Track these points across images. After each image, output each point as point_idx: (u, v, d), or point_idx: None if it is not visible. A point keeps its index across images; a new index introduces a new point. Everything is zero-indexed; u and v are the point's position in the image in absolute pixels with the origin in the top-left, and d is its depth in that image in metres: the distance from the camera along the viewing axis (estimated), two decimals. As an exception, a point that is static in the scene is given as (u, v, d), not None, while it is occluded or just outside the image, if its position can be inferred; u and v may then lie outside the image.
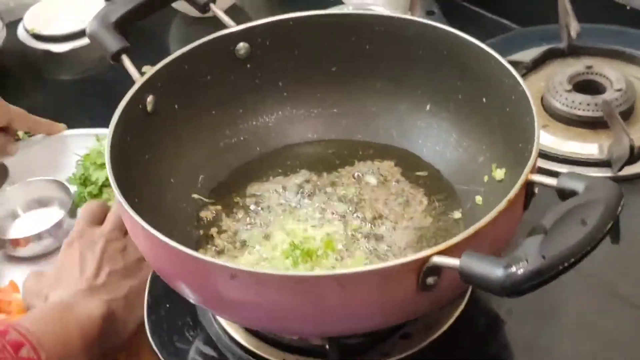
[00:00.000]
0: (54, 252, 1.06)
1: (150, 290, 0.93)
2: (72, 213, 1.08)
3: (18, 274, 1.03)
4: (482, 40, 1.30)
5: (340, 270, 0.69)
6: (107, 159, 0.80)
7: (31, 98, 1.43)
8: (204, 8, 0.95)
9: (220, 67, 0.95)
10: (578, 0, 1.23)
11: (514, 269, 0.62)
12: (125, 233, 0.96)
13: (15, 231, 1.10)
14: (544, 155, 1.06)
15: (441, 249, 0.68)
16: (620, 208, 0.66)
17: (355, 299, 0.69)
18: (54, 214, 1.11)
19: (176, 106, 0.93)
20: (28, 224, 1.11)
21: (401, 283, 0.69)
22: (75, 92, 1.46)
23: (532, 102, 0.80)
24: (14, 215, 1.12)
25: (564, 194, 0.71)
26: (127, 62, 0.88)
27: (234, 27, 0.94)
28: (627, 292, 0.93)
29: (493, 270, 0.63)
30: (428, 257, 0.67)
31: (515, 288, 0.62)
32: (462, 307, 0.88)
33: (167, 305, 0.92)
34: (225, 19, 0.95)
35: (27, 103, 1.31)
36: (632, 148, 0.99)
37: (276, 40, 0.96)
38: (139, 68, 1.40)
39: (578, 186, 0.69)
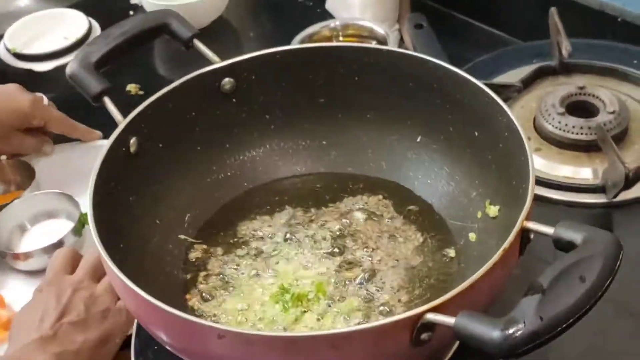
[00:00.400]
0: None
1: (138, 332, 0.92)
2: (76, 230, 1.06)
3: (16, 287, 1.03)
4: (473, 54, 1.31)
5: (333, 331, 0.67)
6: (89, 206, 0.78)
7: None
8: (188, 44, 0.92)
9: (205, 103, 0.93)
10: (568, 13, 1.21)
11: (511, 331, 0.61)
12: (98, 280, 0.93)
13: (21, 244, 1.09)
14: (537, 180, 1.03)
15: (435, 304, 0.66)
16: (619, 262, 0.65)
17: (348, 357, 0.67)
18: (62, 228, 1.08)
19: (161, 145, 0.90)
20: (35, 238, 1.09)
21: (395, 340, 0.67)
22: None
23: (526, 142, 0.78)
24: (22, 229, 1.10)
25: (561, 244, 0.69)
26: (108, 103, 0.86)
27: (218, 63, 0.92)
28: (628, 317, 0.91)
29: (490, 332, 0.61)
30: (422, 314, 0.65)
31: (513, 351, 0.61)
32: (455, 345, 0.86)
33: (156, 347, 0.89)
34: (210, 54, 0.92)
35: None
36: (627, 175, 0.97)
37: (262, 74, 0.94)
38: (124, 86, 1.39)
39: (576, 237, 0.67)
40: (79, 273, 0.93)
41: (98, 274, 0.93)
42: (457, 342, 0.85)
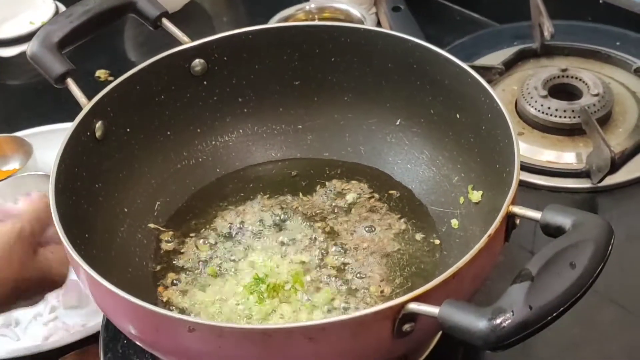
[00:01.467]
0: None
1: (106, 327, 0.88)
2: None
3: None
4: (452, 37, 1.28)
5: (308, 322, 0.63)
6: (50, 192, 0.73)
7: (-21, 103, 1.37)
8: (156, 23, 0.88)
9: (174, 85, 0.89)
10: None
11: (498, 320, 0.57)
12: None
13: None
14: (520, 165, 1.01)
15: (418, 294, 0.62)
16: (610, 247, 0.61)
17: (326, 350, 0.63)
18: None
19: (128, 129, 0.86)
20: None
21: (375, 332, 0.63)
22: (25, 97, 1.39)
23: (510, 124, 0.75)
24: None
25: (549, 229, 0.65)
26: (72, 86, 0.82)
27: (188, 43, 0.88)
28: (620, 304, 0.89)
29: (476, 322, 0.58)
30: (404, 304, 0.62)
31: (500, 342, 0.57)
32: (438, 335, 0.83)
33: (125, 342, 0.86)
34: (179, 34, 0.88)
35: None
36: (612, 159, 0.94)
37: (234, 55, 0.90)
38: (92, 72, 1.35)
39: (565, 222, 0.64)
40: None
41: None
42: (438, 335, 0.82)
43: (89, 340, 0.94)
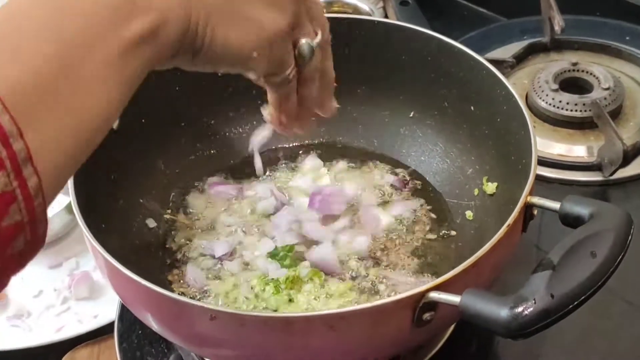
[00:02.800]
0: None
1: (122, 316, 0.88)
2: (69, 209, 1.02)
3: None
4: (460, 32, 1.28)
5: (330, 311, 0.64)
6: (70, 182, 0.74)
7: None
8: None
9: (189, 76, 0.88)
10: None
11: (520, 309, 0.58)
12: None
13: None
14: (531, 158, 1.02)
15: (439, 282, 0.63)
16: (630, 237, 0.62)
17: (346, 338, 0.64)
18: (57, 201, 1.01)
19: (143, 120, 0.86)
20: None
21: (395, 320, 0.64)
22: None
23: (527, 115, 0.75)
24: None
25: (568, 220, 0.66)
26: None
27: (204, 34, 0.88)
28: (628, 299, 0.89)
29: (498, 311, 0.58)
30: (424, 293, 0.62)
31: (522, 330, 0.58)
32: (453, 326, 0.83)
33: (140, 332, 0.86)
34: (194, 25, 0.88)
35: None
36: (625, 152, 0.95)
37: (249, 47, 0.90)
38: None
39: (584, 212, 0.65)
40: None
41: None
42: (452, 328, 0.82)
43: (102, 332, 0.95)
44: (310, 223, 0.84)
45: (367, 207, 0.87)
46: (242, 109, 0.94)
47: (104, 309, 0.97)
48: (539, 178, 1.00)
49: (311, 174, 0.91)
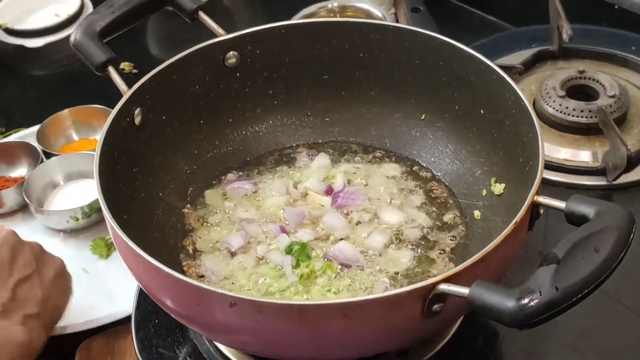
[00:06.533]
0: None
1: (138, 306, 0.91)
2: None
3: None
4: (469, 39, 1.30)
5: (345, 300, 0.66)
6: (95, 174, 0.77)
7: (4, 93, 1.40)
8: (192, 16, 0.91)
9: (209, 76, 0.92)
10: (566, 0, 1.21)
11: (526, 300, 0.60)
12: None
13: (52, 200, 1.12)
14: (537, 163, 1.04)
15: (449, 275, 0.65)
16: (632, 235, 0.65)
17: (358, 327, 0.67)
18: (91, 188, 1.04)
19: (164, 117, 0.90)
20: (64, 196, 1.13)
21: (406, 311, 0.67)
22: (50, 87, 1.43)
23: (535, 119, 0.78)
24: (54, 185, 1.14)
25: (573, 218, 0.69)
26: (113, 74, 0.85)
27: (223, 36, 0.91)
28: (629, 302, 0.91)
29: (505, 302, 0.61)
30: (435, 285, 0.65)
31: (528, 320, 0.60)
32: (459, 322, 0.86)
33: (156, 321, 0.89)
34: (215, 26, 0.91)
35: (0, 98, 1.26)
36: (629, 157, 0.97)
37: (267, 49, 0.93)
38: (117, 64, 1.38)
39: (588, 211, 0.67)
40: None
41: None
42: (459, 322, 0.85)
43: (116, 323, 0.97)
44: (327, 218, 0.88)
45: (380, 205, 0.90)
46: (259, 108, 0.97)
47: (118, 301, 0.98)
48: (545, 181, 1.02)
49: (323, 172, 0.94)
